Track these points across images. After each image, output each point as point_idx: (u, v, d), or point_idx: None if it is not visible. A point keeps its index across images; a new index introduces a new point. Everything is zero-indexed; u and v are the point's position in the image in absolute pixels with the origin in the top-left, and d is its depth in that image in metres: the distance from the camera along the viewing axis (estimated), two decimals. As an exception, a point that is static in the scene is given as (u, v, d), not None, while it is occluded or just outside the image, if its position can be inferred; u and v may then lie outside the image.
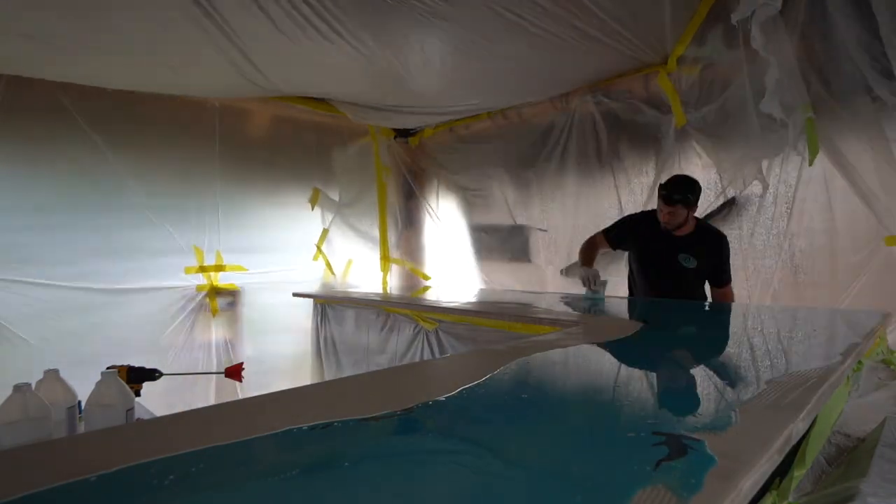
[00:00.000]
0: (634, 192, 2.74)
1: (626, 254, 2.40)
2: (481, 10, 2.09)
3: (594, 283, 2.16)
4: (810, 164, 2.03)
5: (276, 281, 3.41)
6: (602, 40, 2.34)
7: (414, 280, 4.17)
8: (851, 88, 1.89)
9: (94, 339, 2.68)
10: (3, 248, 2.47)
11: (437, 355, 2.74)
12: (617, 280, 2.87)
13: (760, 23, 1.85)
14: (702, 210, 2.46)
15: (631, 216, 2.33)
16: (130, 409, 1.21)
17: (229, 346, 3.24)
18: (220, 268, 3.19)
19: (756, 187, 2.23)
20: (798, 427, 0.65)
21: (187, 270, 3.07)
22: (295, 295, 3.39)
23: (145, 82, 2.80)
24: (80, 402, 1.29)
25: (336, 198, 3.76)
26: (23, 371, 1.32)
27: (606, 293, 2.19)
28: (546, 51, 2.46)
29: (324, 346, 3.39)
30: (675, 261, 2.11)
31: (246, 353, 3.24)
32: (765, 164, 2.17)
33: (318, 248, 3.70)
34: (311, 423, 0.64)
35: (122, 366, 1.47)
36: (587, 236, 2.97)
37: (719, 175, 2.39)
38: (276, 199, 3.50)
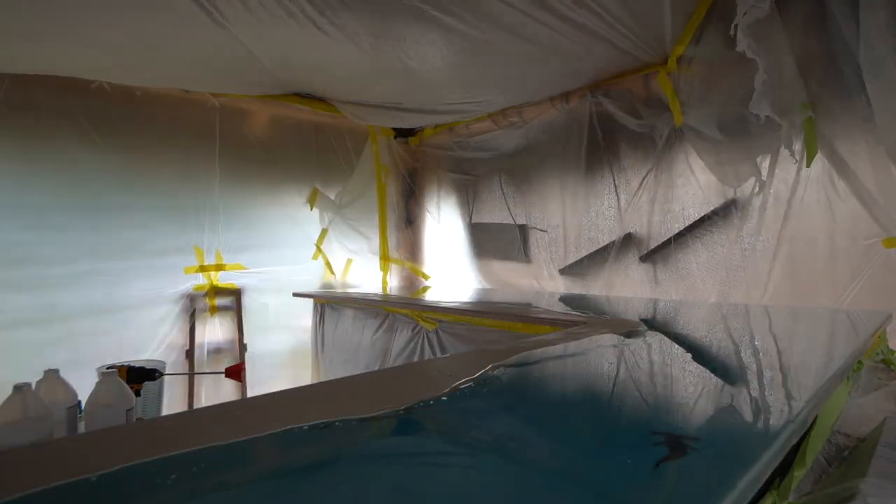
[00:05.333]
0: (635, 193, 2.74)
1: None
2: (482, 8, 2.09)
3: None
4: (808, 166, 2.03)
5: (276, 280, 3.42)
6: (602, 40, 2.34)
7: (414, 280, 4.17)
8: (849, 89, 1.89)
9: (93, 339, 2.68)
10: (2, 247, 2.47)
11: (438, 355, 2.74)
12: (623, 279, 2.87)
13: (748, 24, 1.85)
14: (701, 210, 2.47)
15: None
16: (130, 409, 1.21)
17: (229, 345, 3.24)
18: (219, 267, 3.19)
19: (752, 186, 2.22)
20: (798, 427, 0.65)
21: (187, 270, 3.07)
22: (295, 295, 3.39)
23: (144, 77, 2.80)
24: (80, 402, 1.29)
25: (335, 198, 3.76)
26: (23, 371, 1.32)
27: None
28: (546, 50, 2.45)
29: (324, 345, 3.39)
30: None
31: (246, 352, 3.24)
32: (761, 162, 2.17)
33: (318, 247, 3.70)
34: (311, 423, 0.64)
35: (121, 366, 1.47)
36: (587, 236, 2.98)
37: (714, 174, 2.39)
38: (275, 198, 3.50)
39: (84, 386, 1.27)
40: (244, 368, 1.88)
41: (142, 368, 1.51)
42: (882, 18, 1.65)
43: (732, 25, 1.89)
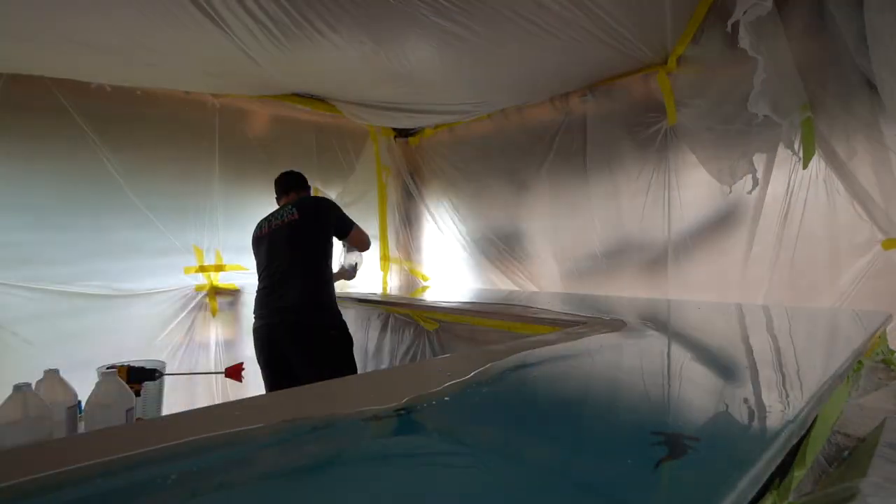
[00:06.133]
0: (634, 193, 2.74)
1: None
2: (482, 8, 2.09)
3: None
4: (804, 167, 2.03)
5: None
6: (602, 40, 2.34)
7: (414, 280, 4.17)
8: (849, 90, 1.88)
9: (93, 339, 2.68)
10: (2, 248, 2.47)
11: (438, 355, 2.74)
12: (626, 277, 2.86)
13: (749, 22, 1.84)
14: (699, 210, 2.47)
15: None
16: (130, 409, 1.21)
17: (229, 346, 3.24)
18: (219, 267, 3.19)
19: (751, 185, 2.22)
20: (798, 427, 0.65)
21: (186, 270, 3.07)
22: (295, 295, 3.38)
23: (141, 78, 2.79)
24: (80, 402, 1.29)
25: (336, 197, 3.76)
26: (23, 371, 1.32)
27: None
28: (546, 50, 2.45)
29: (324, 346, 3.38)
30: None
31: (246, 352, 3.24)
32: (757, 161, 2.16)
33: (318, 247, 3.69)
34: (312, 423, 0.64)
35: (121, 366, 1.47)
36: (587, 237, 2.98)
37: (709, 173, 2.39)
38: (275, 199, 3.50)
39: (84, 386, 1.27)
40: (244, 368, 1.88)
41: (141, 368, 1.50)
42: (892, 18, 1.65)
43: (730, 23, 1.88)
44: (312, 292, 2.20)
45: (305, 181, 2.56)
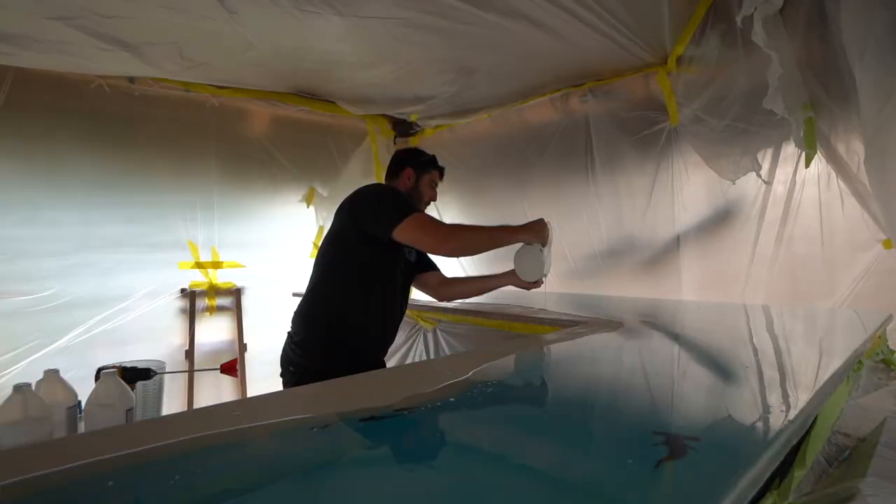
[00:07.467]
0: (634, 193, 2.74)
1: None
2: (483, 3, 2.07)
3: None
4: (807, 166, 2.03)
5: (275, 279, 3.41)
6: (602, 40, 2.33)
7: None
8: (849, 90, 1.88)
9: (91, 338, 2.68)
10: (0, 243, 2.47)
11: (435, 355, 2.75)
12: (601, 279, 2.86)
13: (762, 18, 1.84)
14: (699, 210, 2.47)
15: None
16: (130, 409, 1.21)
17: (229, 345, 3.24)
18: (217, 264, 3.19)
19: (752, 184, 2.22)
20: (798, 427, 0.65)
21: (181, 265, 3.07)
22: (294, 295, 3.38)
23: (139, 71, 2.76)
24: (80, 402, 1.29)
25: (327, 193, 3.74)
26: (23, 371, 1.32)
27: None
28: (546, 50, 2.45)
29: (323, 345, 3.37)
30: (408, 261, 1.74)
31: (246, 352, 3.24)
32: (762, 159, 2.16)
33: (316, 245, 3.70)
34: (311, 423, 0.64)
35: (117, 366, 1.47)
36: (588, 236, 2.98)
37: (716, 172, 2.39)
38: (274, 198, 3.50)
39: (84, 386, 1.27)
40: (238, 364, 1.88)
41: (134, 368, 1.49)
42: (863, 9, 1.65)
43: (739, 18, 1.88)
44: (296, 323, 1.59)
45: (395, 164, 1.84)
